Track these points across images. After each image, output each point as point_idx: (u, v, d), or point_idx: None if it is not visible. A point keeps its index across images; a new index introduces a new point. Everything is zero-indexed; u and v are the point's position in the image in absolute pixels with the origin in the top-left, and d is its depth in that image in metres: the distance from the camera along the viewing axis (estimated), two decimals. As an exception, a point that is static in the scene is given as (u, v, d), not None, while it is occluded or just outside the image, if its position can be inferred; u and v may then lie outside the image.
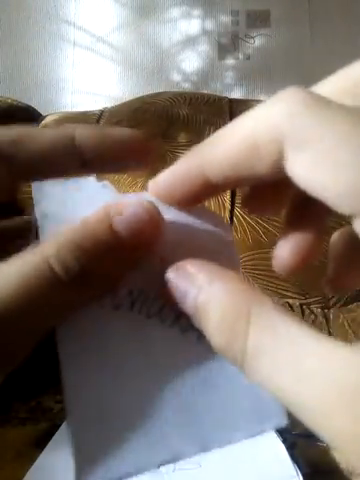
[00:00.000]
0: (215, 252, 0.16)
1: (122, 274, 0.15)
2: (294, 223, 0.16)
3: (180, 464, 0.38)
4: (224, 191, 0.15)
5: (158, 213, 0.15)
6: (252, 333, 0.12)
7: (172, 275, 0.14)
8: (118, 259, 0.14)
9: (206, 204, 0.74)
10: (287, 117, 0.12)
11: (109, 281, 0.15)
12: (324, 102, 0.12)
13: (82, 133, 0.16)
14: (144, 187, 0.75)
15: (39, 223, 0.16)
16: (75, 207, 0.16)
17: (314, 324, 0.65)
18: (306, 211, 0.16)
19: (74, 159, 0.16)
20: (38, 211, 0.16)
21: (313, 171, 0.11)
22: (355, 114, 0.11)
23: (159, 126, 0.80)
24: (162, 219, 0.15)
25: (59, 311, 0.14)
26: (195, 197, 0.15)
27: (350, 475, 0.38)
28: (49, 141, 0.15)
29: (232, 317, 0.12)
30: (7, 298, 0.13)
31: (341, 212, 0.11)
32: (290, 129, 0.12)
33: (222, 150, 0.13)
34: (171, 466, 0.38)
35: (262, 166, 0.13)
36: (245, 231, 0.72)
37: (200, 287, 0.13)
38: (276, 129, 0.12)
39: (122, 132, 0.17)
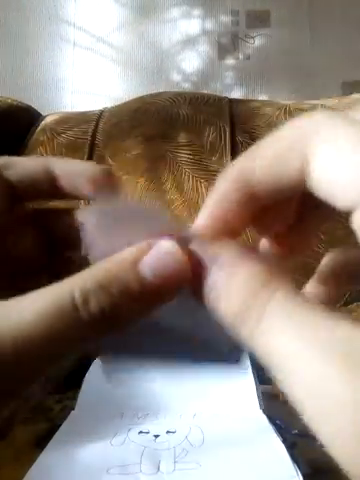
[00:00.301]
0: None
1: (145, 316, 0.15)
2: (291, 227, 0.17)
3: (180, 464, 0.38)
4: (264, 208, 0.16)
5: (183, 258, 0.14)
6: (274, 304, 0.12)
7: (196, 247, 0.14)
8: (142, 303, 0.14)
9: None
10: (313, 125, 0.13)
11: (130, 322, 0.15)
12: (343, 115, 0.13)
13: (56, 164, 0.19)
14: (144, 187, 0.75)
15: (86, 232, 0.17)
16: (123, 223, 0.16)
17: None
18: (305, 219, 0.17)
19: (50, 186, 0.19)
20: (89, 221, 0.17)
21: (330, 169, 0.12)
22: None
23: (159, 126, 0.80)
24: (188, 263, 0.15)
25: (75, 343, 0.14)
26: (243, 218, 0.16)
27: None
28: (31, 168, 0.18)
29: (254, 286, 0.12)
30: (27, 326, 0.13)
31: (343, 205, 0.12)
32: (317, 138, 0.13)
33: (261, 156, 0.14)
34: (171, 466, 0.38)
35: (291, 170, 0.14)
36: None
37: (226, 260, 0.13)
38: (302, 133, 0.13)
39: (89, 167, 0.20)
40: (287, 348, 0.11)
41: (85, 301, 0.13)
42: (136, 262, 0.14)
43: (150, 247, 0.14)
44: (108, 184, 0.19)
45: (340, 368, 0.10)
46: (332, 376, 0.10)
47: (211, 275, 0.13)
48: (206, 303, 0.14)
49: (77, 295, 0.13)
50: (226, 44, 1.28)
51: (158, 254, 0.14)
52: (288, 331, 0.11)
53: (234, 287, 0.13)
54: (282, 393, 0.12)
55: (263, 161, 0.14)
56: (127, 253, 0.14)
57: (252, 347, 0.12)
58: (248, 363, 0.52)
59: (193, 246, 0.14)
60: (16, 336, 0.13)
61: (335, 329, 0.11)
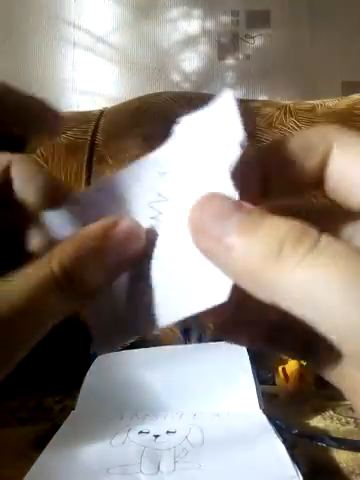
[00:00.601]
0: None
1: (116, 277, 0.17)
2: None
3: (180, 464, 0.38)
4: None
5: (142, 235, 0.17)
6: (317, 250, 0.12)
7: (203, 206, 0.14)
8: (112, 265, 0.16)
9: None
10: (335, 129, 0.15)
11: (99, 285, 0.16)
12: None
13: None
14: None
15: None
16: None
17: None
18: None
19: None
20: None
21: (351, 166, 0.14)
22: None
23: (159, 126, 0.80)
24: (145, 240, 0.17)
25: (58, 312, 0.16)
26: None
27: (350, 475, 0.38)
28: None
29: (300, 228, 0.12)
30: (12, 296, 0.14)
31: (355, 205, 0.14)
32: (338, 135, 0.15)
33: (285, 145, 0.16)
34: (171, 466, 0.38)
35: (313, 160, 0.15)
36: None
37: (248, 215, 0.13)
38: (327, 135, 0.15)
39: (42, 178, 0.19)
40: (332, 291, 0.11)
41: (61, 266, 0.15)
42: (105, 230, 0.16)
43: (117, 223, 0.16)
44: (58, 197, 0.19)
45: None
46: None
47: (229, 227, 0.13)
48: (211, 254, 0.14)
49: (54, 261, 0.15)
50: (226, 44, 1.28)
51: (123, 230, 0.16)
52: (341, 266, 0.11)
53: (259, 237, 0.12)
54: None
55: (289, 148, 0.15)
56: (98, 224, 0.16)
57: (286, 285, 0.12)
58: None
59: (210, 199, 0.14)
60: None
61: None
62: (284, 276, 0.12)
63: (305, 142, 0.15)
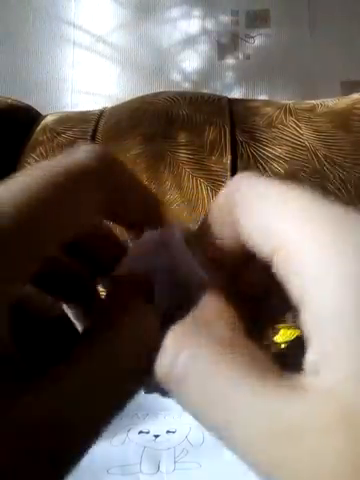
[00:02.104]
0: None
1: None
2: None
3: (180, 464, 0.38)
4: None
5: None
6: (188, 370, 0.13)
7: None
8: None
9: (206, 203, 0.74)
10: (236, 185, 0.16)
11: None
12: (254, 179, 0.15)
13: None
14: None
15: None
16: None
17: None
18: None
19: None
20: None
21: (249, 218, 0.14)
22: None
23: (159, 126, 0.80)
24: None
25: (90, 202, 0.15)
26: None
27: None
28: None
29: (174, 355, 0.13)
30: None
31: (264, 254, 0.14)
32: (238, 193, 0.15)
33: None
34: (171, 466, 0.38)
35: (229, 221, 0.15)
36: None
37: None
38: (231, 194, 0.15)
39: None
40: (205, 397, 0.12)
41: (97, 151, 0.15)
42: None
43: None
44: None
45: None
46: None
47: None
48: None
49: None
50: (226, 44, 1.28)
51: None
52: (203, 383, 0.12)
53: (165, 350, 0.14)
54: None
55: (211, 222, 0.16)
56: None
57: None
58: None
59: None
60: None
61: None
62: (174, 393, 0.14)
63: (219, 216, 0.16)
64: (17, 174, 0.14)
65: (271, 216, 0.13)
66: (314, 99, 0.88)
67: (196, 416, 0.13)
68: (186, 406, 0.13)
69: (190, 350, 0.13)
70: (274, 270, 0.13)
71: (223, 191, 0.16)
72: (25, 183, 0.13)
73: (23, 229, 0.12)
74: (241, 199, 0.15)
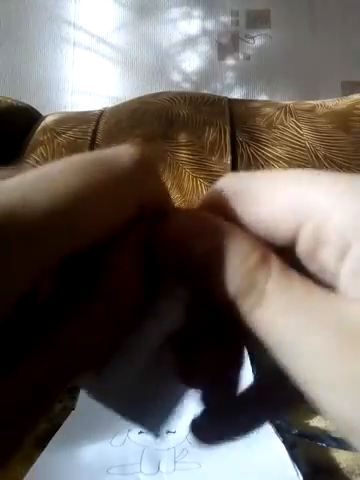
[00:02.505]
0: None
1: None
2: None
3: (180, 464, 0.38)
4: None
5: None
6: (271, 282, 0.12)
7: (177, 223, 0.14)
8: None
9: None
10: (235, 184, 0.15)
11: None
12: (253, 175, 0.15)
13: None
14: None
15: None
16: None
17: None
18: None
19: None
20: None
21: (259, 201, 0.14)
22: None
23: (159, 126, 0.80)
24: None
25: (126, 204, 0.14)
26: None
27: (350, 475, 0.38)
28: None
29: (253, 262, 0.13)
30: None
31: (280, 234, 0.14)
32: (239, 191, 0.15)
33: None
34: (171, 466, 0.38)
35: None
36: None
37: (215, 231, 0.13)
38: (229, 194, 0.15)
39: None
40: (288, 325, 0.12)
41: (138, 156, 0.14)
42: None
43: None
44: None
45: (339, 343, 0.11)
46: (331, 350, 0.11)
47: (202, 251, 0.13)
48: (198, 277, 0.14)
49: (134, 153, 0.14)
50: (226, 44, 1.28)
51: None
52: (288, 308, 0.12)
53: (228, 266, 0.13)
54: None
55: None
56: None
57: (252, 323, 0.13)
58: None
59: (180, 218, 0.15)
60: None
61: (331, 305, 0.12)
62: (248, 315, 0.13)
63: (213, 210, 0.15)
64: (58, 162, 0.13)
65: (291, 194, 0.13)
66: (315, 99, 0.88)
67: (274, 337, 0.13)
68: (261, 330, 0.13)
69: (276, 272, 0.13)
70: (300, 243, 0.13)
71: (214, 187, 0.16)
72: (65, 173, 0.12)
73: (52, 222, 0.11)
74: (247, 187, 0.14)
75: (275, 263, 0.13)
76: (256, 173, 0.15)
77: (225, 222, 0.14)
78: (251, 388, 0.18)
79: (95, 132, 0.82)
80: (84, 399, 0.51)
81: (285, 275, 0.13)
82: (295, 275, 0.13)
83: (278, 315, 0.12)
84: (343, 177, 0.13)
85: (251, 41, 1.27)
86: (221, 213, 0.14)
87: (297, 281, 0.13)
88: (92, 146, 0.80)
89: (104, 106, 0.91)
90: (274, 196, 0.14)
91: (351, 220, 0.12)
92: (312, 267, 0.14)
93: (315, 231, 0.13)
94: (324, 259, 0.13)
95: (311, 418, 0.49)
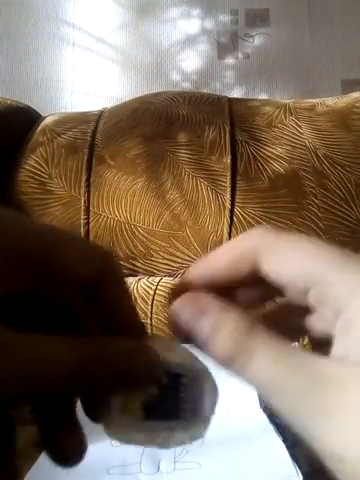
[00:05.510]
0: None
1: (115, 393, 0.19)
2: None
3: (180, 464, 0.38)
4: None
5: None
6: (259, 344, 0.16)
7: (182, 307, 0.18)
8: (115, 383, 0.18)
9: (206, 202, 0.74)
10: (260, 237, 0.19)
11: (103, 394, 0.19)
12: (278, 232, 0.19)
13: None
14: (144, 187, 0.75)
15: None
16: None
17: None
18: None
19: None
20: None
21: (282, 263, 0.18)
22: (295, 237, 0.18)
23: (159, 126, 0.80)
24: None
25: (63, 389, 0.17)
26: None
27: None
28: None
29: (242, 331, 0.16)
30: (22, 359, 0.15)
31: (298, 292, 0.18)
32: (264, 243, 0.18)
33: (221, 259, 0.19)
34: (171, 465, 0.38)
35: (244, 268, 0.19)
36: (245, 230, 0.72)
37: (212, 314, 0.17)
38: (253, 245, 0.19)
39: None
40: (273, 380, 0.16)
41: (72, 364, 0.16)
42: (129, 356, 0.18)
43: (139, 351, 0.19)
44: None
45: (310, 386, 0.15)
46: (306, 391, 0.15)
47: (202, 327, 0.17)
48: (201, 347, 0.17)
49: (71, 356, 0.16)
50: (226, 43, 1.28)
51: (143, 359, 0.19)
52: (271, 367, 0.16)
53: (223, 336, 0.17)
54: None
55: (218, 266, 0.19)
56: (123, 346, 0.18)
57: (245, 379, 0.16)
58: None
59: (184, 301, 0.18)
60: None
61: (308, 362, 0.16)
62: (242, 372, 0.16)
63: (235, 256, 0.19)
64: None
65: (305, 261, 0.17)
66: (315, 98, 0.88)
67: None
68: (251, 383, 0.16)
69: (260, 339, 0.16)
70: (310, 302, 0.17)
71: (236, 241, 0.20)
72: None
73: None
74: (269, 246, 0.18)
75: (260, 329, 0.16)
76: (281, 235, 0.18)
77: (217, 302, 0.18)
78: None
79: (95, 132, 0.82)
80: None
81: (267, 339, 0.16)
82: (278, 338, 0.16)
83: (266, 369, 0.16)
84: (343, 254, 0.17)
85: (251, 40, 1.27)
86: (247, 263, 0.18)
87: (277, 343, 0.16)
88: (92, 146, 0.80)
89: (104, 106, 0.91)
90: (291, 264, 0.18)
91: (345, 291, 0.16)
92: (318, 316, 0.18)
93: (320, 294, 0.17)
94: (325, 314, 0.17)
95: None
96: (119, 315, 0.20)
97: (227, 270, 0.19)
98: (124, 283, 0.20)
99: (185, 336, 0.18)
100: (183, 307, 0.18)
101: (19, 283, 0.17)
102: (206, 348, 0.17)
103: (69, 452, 0.18)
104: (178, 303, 0.18)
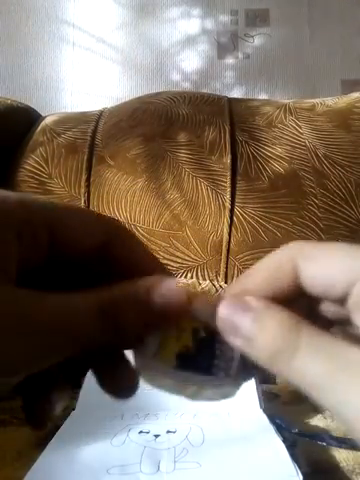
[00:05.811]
0: None
1: (147, 331, 0.19)
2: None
3: (180, 464, 0.38)
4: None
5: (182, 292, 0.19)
6: (305, 339, 0.16)
7: (226, 306, 0.18)
8: (145, 318, 0.18)
9: (206, 202, 0.74)
10: (299, 247, 0.19)
11: (135, 332, 0.19)
12: (316, 242, 0.19)
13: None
14: (144, 187, 0.75)
15: None
16: None
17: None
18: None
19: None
20: None
21: (321, 269, 0.18)
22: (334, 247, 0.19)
23: (159, 126, 0.80)
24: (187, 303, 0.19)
25: (92, 339, 0.18)
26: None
27: (350, 473, 0.38)
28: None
29: (287, 327, 0.17)
30: (53, 312, 0.17)
31: (337, 296, 0.18)
32: (302, 252, 0.19)
33: (260, 271, 0.20)
34: (171, 465, 0.38)
35: (284, 278, 0.19)
36: (245, 230, 0.72)
37: (257, 310, 0.17)
38: (292, 254, 0.19)
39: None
40: (320, 374, 0.16)
41: (99, 305, 0.17)
42: (148, 290, 0.18)
43: (161, 281, 0.19)
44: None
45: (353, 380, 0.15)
46: (352, 386, 0.15)
47: (246, 323, 0.17)
48: (240, 345, 0.18)
49: (97, 299, 0.17)
50: (226, 43, 1.28)
51: (166, 286, 0.18)
52: (319, 362, 0.16)
53: (268, 332, 0.17)
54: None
55: (259, 277, 0.19)
56: (144, 281, 0.18)
57: (289, 377, 0.16)
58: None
59: (230, 300, 0.18)
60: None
61: (354, 354, 0.16)
62: (285, 371, 0.16)
63: (274, 267, 0.19)
64: None
65: (347, 260, 0.18)
66: (315, 98, 0.88)
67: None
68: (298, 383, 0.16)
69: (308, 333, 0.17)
70: (349, 307, 0.17)
71: (274, 253, 0.20)
72: None
73: None
74: (308, 254, 0.19)
75: (305, 325, 0.17)
76: (319, 244, 0.19)
77: (261, 299, 0.18)
78: None
79: (95, 132, 0.82)
80: (84, 399, 0.51)
81: (314, 334, 0.16)
82: (322, 333, 0.16)
83: (313, 364, 0.16)
84: None
85: (250, 40, 1.27)
86: (287, 273, 0.19)
87: (324, 337, 0.16)
88: (92, 146, 0.80)
89: (104, 106, 0.91)
90: (331, 264, 0.18)
91: None
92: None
93: None
94: None
95: (311, 417, 0.49)
96: (137, 265, 0.20)
97: (267, 282, 0.19)
98: (134, 237, 0.21)
99: (227, 334, 0.18)
100: (227, 305, 0.18)
101: (30, 254, 0.18)
102: (248, 345, 0.17)
103: (125, 386, 0.20)
104: (222, 303, 0.18)
